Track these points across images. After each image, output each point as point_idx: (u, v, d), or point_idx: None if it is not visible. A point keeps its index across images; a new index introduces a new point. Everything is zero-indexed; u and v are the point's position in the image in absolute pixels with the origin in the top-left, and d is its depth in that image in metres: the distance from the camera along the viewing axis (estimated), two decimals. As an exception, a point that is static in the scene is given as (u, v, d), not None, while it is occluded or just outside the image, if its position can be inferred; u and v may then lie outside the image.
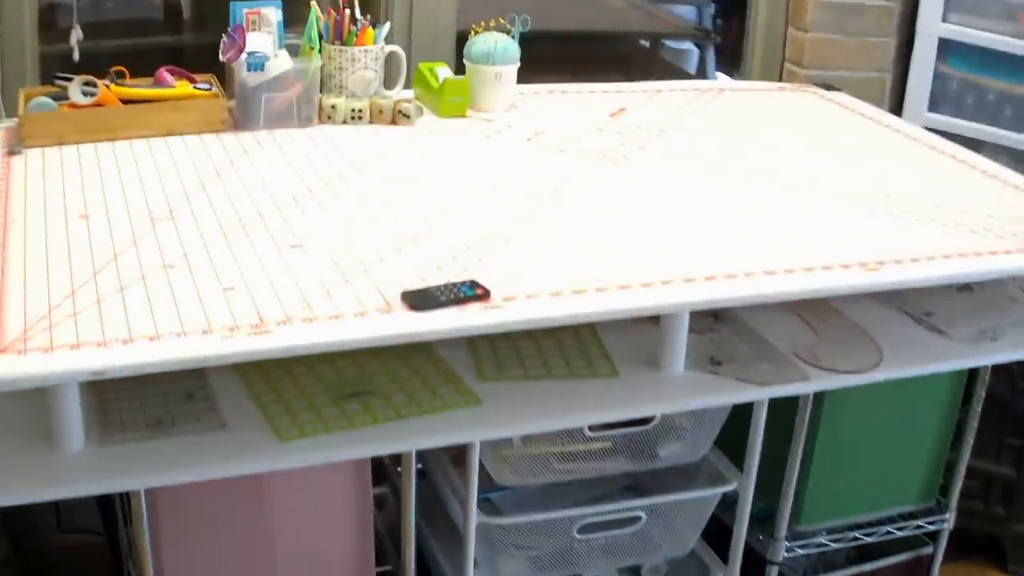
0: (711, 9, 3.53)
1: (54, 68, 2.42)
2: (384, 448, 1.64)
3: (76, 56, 2.41)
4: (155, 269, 1.60)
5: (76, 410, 1.49)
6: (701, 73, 3.42)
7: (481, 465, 1.77)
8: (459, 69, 2.37)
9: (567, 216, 1.84)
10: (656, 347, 1.78)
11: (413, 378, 1.71)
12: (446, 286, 1.56)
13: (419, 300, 1.52)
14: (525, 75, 2.39)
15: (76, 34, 2.40)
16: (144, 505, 1.59)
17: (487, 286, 1.57)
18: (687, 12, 3.63)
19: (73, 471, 1.49)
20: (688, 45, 3.62)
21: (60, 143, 2.06)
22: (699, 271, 1.66)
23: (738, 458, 1.95)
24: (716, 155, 2.17)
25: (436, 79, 2.33)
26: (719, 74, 3.36)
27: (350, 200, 1.87)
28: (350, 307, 1.51)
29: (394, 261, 1.65)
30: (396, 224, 1.78)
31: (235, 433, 1.57)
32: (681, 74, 3.43)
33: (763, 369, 1.81)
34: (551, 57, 2.99)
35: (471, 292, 1.55)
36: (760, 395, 1.79)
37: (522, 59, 2.36)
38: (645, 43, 3.39)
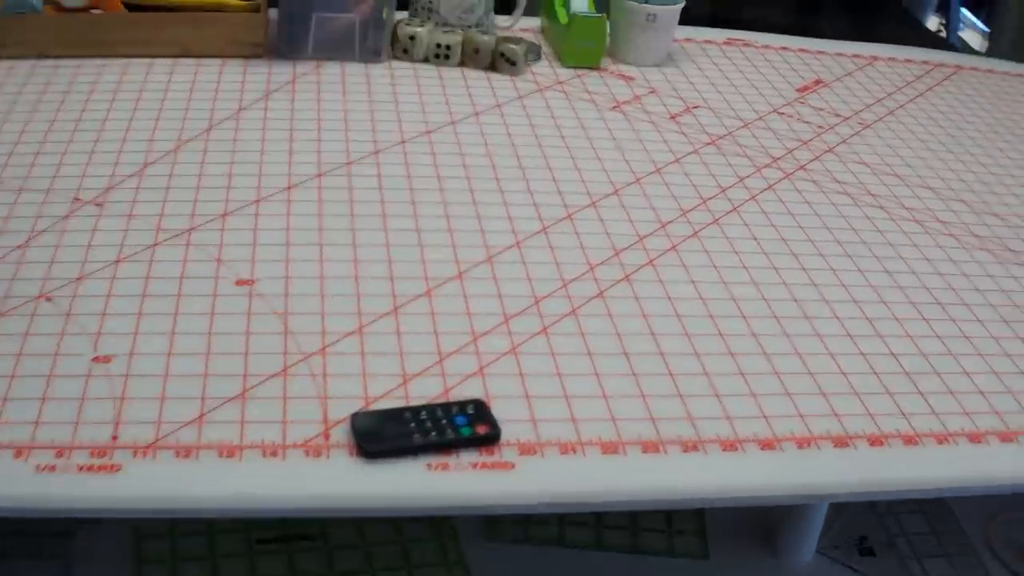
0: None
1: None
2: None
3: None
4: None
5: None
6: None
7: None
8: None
9: (661, 285, 1.20)
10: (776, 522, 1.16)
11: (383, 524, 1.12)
12: (428, 408, 0.96)
13: (372, 437, 0.92)
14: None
15: None
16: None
17: (498, 416, 0.96)
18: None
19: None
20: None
21: (40, 56, 1.53)
22: (850, 424, 1.02)
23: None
24: (920, 173, 1.50)
25: (565, 12, 1.69)
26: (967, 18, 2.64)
27: (361, 196, 1.28)
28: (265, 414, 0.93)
29: (376, 332, 1.06)
30: (397, 268, 1.18)
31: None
32: (918, 31, 2.67)
33: (933, 567, 1.18)
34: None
35: (468, 431, 0.94)
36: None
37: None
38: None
